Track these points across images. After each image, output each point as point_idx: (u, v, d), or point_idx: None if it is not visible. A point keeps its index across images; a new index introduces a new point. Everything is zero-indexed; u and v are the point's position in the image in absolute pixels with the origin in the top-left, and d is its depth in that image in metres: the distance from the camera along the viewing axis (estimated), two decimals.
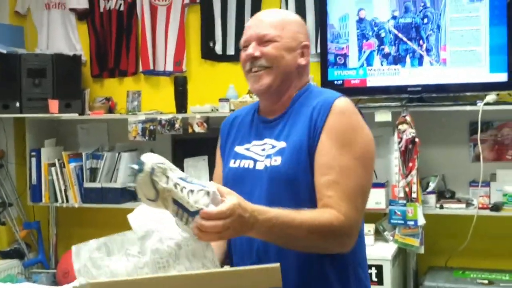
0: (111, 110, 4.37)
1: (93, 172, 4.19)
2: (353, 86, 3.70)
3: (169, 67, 4.32)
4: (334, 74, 3.74)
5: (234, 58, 4.18)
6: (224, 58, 4.22)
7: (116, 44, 4.41)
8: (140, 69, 4.37)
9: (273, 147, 1.69)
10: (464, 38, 3.49)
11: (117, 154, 4.17)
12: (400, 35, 3.58)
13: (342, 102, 1.67)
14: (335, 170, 1.57)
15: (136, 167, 1.37)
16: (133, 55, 4.40)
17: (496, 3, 3.44)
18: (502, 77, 3.44)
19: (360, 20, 3.67)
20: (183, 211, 1.37)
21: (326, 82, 3.75)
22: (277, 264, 1.33)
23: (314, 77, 3.86)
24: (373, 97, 3.70)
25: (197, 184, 1.38)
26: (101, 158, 4.17)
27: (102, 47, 4.45)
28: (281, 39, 1.71)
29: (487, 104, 3.42)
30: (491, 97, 3.44)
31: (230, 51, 4.19)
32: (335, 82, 3.74)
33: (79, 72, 4.34)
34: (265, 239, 1.54)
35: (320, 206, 1.57)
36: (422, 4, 3.55)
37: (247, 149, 1.76)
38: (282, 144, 1.68)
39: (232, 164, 1.77)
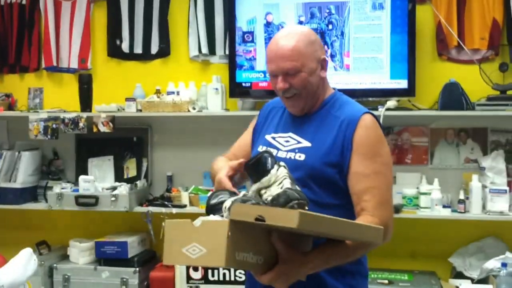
0: (11, 107, 4.21)
1: None
2: (261, 88, 3.73)
3: (74, 64, 4.19)
4: (242, 76, 3.76)
5: (142, 57, 4.12)
6: (131, 56, 4.14)
7: (17, 39, 4.23)
8: (43, 65, 4.22)
9: (298, 142, 1.94)
10: (367, 45, 3.61)
11: (17, 153, 4.02)
12: None
13: (367, 118, 1.91)
14: (370, 177, 1.84)
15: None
16: (36, 51, 4.24)
17: (398, 12, 3.57)
18: (403, 83, 3.58)
19: (268, 24, 3.71)
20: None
21: (234, 84, 3.77)
22: (382, 227, 1.71)
23: (222, 78, 3.88)
24: None
25: None
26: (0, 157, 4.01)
27: (3, 42, 4.26)
28: (303, 68, 1.89)
29: (388, 109, 3.54)
30: (391, 102, 3.57)
31: (138, 49, 4.12)
32: (243, 84, 3.76)
33: None
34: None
35: (358, 209, 1.85)
36: (327, 11, 3.64)
37: (273, 138, 2.02)
38: (307, 144, 1.92)
39: (260, 148, 2.01)
